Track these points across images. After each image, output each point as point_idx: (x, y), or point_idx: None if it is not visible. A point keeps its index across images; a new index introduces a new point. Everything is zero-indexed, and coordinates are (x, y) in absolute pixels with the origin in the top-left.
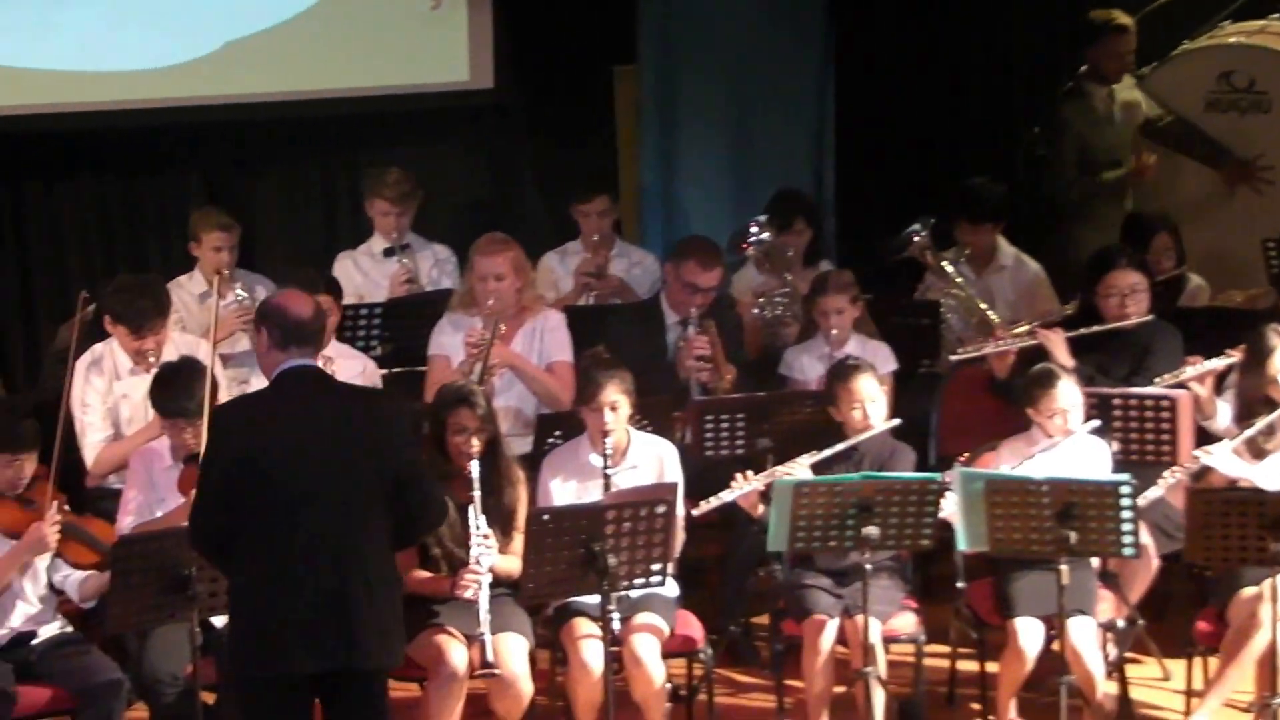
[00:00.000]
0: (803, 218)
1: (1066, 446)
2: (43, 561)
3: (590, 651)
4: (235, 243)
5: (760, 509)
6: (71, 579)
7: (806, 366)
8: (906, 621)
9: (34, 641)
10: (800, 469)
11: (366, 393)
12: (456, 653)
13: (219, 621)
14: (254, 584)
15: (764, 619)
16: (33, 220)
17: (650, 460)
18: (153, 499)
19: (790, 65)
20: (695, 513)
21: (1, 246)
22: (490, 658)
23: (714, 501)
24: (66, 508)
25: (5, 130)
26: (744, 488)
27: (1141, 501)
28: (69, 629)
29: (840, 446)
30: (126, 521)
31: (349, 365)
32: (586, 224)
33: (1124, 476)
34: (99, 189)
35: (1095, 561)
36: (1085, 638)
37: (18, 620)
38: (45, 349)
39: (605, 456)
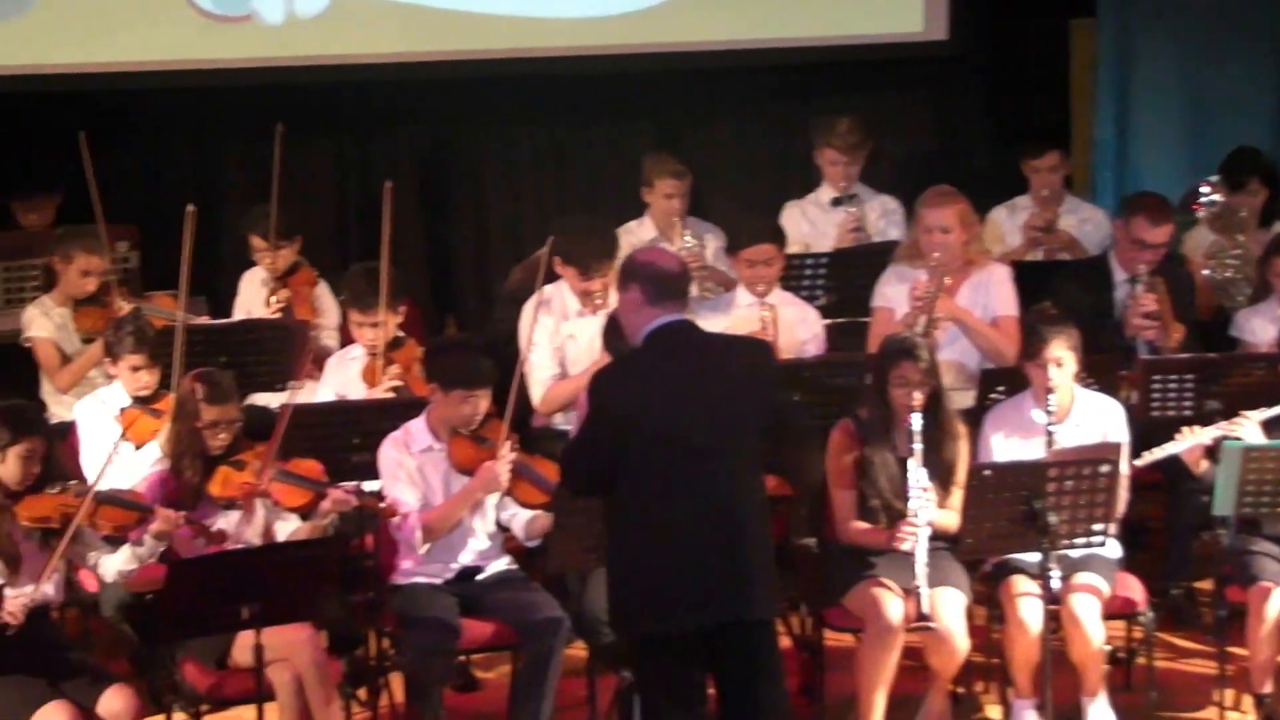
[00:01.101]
0: (1258, 178)
1: None
2: (492, 499)
3: (1028, 609)
4: (687, 190)
5: (1203, 465)
6: (518, 517)
7: (1258, 329)
8: None
9: (480, 577)
10: (1249, 425)
11: (737, 340)
12: (893, 605)
13: None
14: (645, 544)
15: (1207, 583)
16: (488, 164)
17: (1095, 419)
18: None
19: (1251, 21)
20: (1138, 463)
21: (457, 190)
22: (927, 611)
23: (1157, 453)
24: (519, 447)
25: (461, 75)
26: (1189, 440)
27: None
28: (514, 566)
29: None
30: None
31: (791, 313)
32: (1037, 179)
33: None
34: (553, 134)
35: None
36: None
37: (467, 556)
38: (496, 290)
39: (1049, 413)
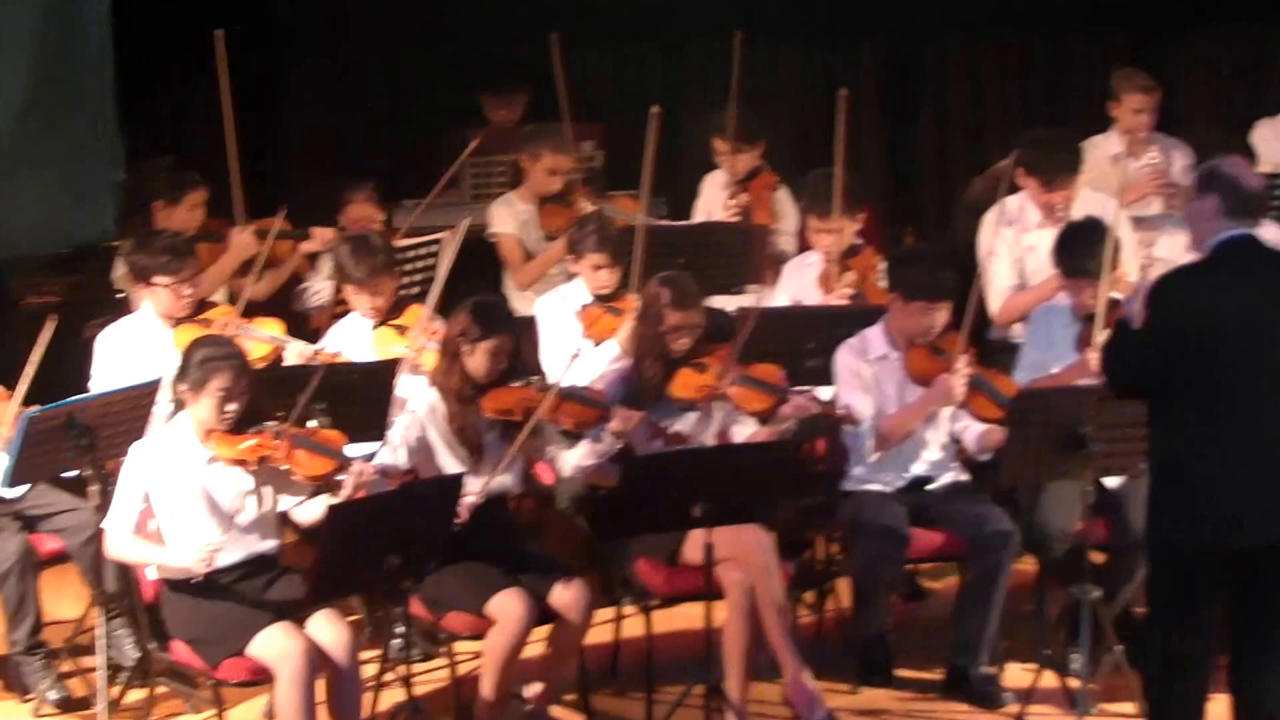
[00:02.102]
0: None
1: None
2: (945, 410)
3: None
4: (1155, 105)
5: None
6: (971, 430)
7: None
8: None
9: (930, 487)
10: None
11: None
12: None
13: (1111, 482)
14: (1198, 457)
15: None
16: (952, 74)
17: None
18: (1050, 356)
19: None
20: None
21: (920, 99)
22: None
23: None
24: (976, 360)
25: None
26: None
27: None
28: (964, 477)
29: None
30: (1024, 377)
31: (1264, 234)
32: None
33: None
34: (1022, 44)
35: None
36: None
37: (919, 466)
38: (957, 200)
39: None
